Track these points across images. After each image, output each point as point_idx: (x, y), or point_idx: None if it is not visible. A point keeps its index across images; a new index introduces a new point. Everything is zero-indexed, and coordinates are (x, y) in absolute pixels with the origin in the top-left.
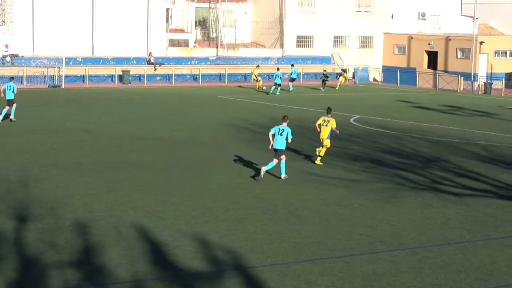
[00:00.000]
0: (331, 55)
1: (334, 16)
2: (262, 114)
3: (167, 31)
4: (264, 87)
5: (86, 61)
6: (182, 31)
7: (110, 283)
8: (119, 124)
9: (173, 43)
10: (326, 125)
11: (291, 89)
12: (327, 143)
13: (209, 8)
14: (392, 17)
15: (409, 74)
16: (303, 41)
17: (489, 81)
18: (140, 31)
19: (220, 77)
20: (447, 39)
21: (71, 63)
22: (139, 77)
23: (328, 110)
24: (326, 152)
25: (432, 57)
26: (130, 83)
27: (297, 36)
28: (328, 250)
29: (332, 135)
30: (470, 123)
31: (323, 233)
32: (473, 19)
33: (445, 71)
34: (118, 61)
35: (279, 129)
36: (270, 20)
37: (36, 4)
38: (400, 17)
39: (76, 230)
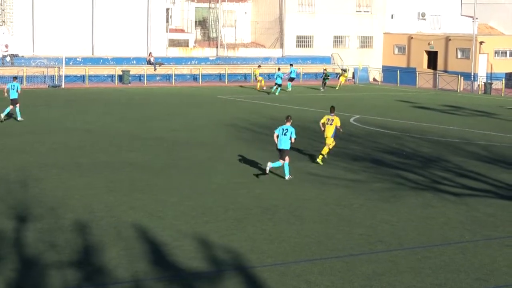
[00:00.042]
0: (331, 55)
1: (334, 16)
2: (262, 114)
3: (167, 31)
4: (265, 87)
5: (86, 61)
6: (182, 31)
7: (110, 283)
8: (119, 124)
9: (173, 43)
10: (331, 124)
11: (289, 89)
12: (330, 141)
13: (209, 8)
14: (392, 17)
15: (409, 74)
16: (303, 41)
17: (489, 81)
18: (140, 31)
19: (220, 77)
20: (447, 39)
21: (71, 63)
22: (139, 77)
23: (332, 109)
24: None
25: (432, 57)
26: (130, 83)
27: (297, 36)
28: (328, 250)
29: (337, 134)
30: (470, 123)
31: (323, 233)
32: (473, 19)
33: (445, 71)
34: (118, 61)
35: (282, 129)
36: (270, 20)
37: (36, 4)
38: (400, 17)
39: (76, 230)
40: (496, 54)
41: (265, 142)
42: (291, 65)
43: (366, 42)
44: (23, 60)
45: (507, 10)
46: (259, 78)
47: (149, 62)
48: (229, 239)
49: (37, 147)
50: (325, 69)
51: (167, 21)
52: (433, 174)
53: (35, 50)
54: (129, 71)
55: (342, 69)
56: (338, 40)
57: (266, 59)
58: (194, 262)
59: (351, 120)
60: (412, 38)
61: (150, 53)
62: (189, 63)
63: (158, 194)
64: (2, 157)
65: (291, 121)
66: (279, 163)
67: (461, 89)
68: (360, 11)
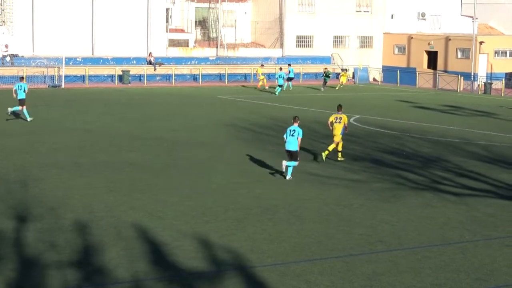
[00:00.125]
0: (331, 55)
1: (334, 16)
2: (262, 114)
3: (167, 31)
4: (267, 87)
5: (86, 61)
6: (182, 31)
7: (110, 283)
8: (119, 124)
9: (173, 43)
10: (339, 122)
11: (285, 88)
12: (338, 138)
13: (209, 8)
14: (392, 17)
15: (409, 74)
16: (303, 41)
17: (489, 81)
18: (140, 31)
19: (220, 77)
20: (447, 39)
21: (71, 63)
22: (139, 77)
23: (339, 107)
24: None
25: (432, 57)
26: (130, 83)
27: (297, 36)
28: (328, 250)
29: (345, 132)
30: (470, 123)
31: (323, 233)
32: (473, 19)
33: (445, 71)
34: (118, 61)
35: (290, 130)
36: (270, 20)
37: (36, 4)
38: (400, 17)
39: (76, 230)
40: (496, 54)
41: (265, 142)
42: (289, 65)
43: (366, 42)
44: (23, 60)
45: (507, 10)
46: (261, 77)
47: (149, 62)
48: (229, 239)
49: (37, 147)
50: (326, 68)
51: (167, 21)
52: (433, 174)
53: (35, 50)
54: (129, 71)
55: (342, 69)
56: (338, 40)
57: (266, 59)
58: (194, 262)
59: (351, 120)
60: (412, 38)
61: (150, 53)
62: (189, 63)
63: (158, 194)
64: (2, 157)
65: (299, 121)
66: (294, 163)
67: (461, 89)
68: (360, 11)
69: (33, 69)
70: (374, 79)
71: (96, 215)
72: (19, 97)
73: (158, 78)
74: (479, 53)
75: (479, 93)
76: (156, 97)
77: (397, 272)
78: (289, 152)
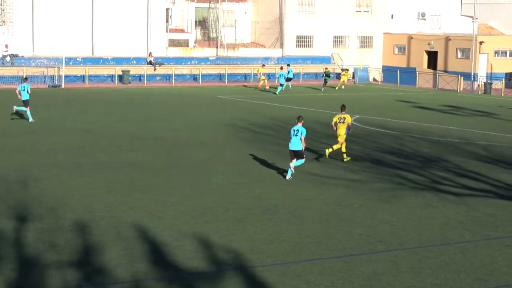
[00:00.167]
0: (331, 55)
1: (334, 16)
2: (262, 114)
3: (167, 31)
4: (267, 87)
5: (86, 61)
6: (182, 31)
7: (110, 283)
8: (119, 124)
9: (173, 43)
10: (343, 122)
11: (285, 88)
12: (342, 139)
13: (209, 8)
14: (392, 17)
15: (409, 74)
16: (303, 41)
17: (489, 81)
18: (140, 31)
19: (220, 77)
20: (447, 39)
21: (71, 63)
22: (139, 77)
23: (343, 108)
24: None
25: (432, 57)
26: (130, 83)
27: (297, 36)
28: (328, 250)
29: (348, 132)
30: (470, 123)
31: (323, 233)
32: (473, 19)
33: (445, 71)
34: (118, 61)
35: (293, 130)
36: (270, 20)
37: (36, 4)
38: (400, 17)
39: (76, 230)
40: (496, 54)
41: (265, 142)
42: (288, 65)
43: (366, 42)
44: (23, 60)
45: (507, 10)
46: (262, 77)
47: (149, 62)
48: (229, 239)
49: (37, 147)
50: (326, 68)
51: (167, 21)
52: (433, 174)
53: (35, 50)
54: (129, 71)
55: (342, 69)
56: (338, 40)
57: (266, 59)
58: (194, 262)
59: (351, 120)
60: (412, 38)
61: (150, 53)
62: (189, 63)
63: (158, 194)
64: (2, 157)
65: (303, 121)
66: (301, 161)
67: (461, 89)
68: (360, 11)
69: (33, 69)
70: (374, 79)
71: (96, 215)
72: (22, 98)
73: (158, 78)
74: (479, 53)
75: (479, 93)
76: (156, 97)
77: (397, 272)
78: (293, 152)
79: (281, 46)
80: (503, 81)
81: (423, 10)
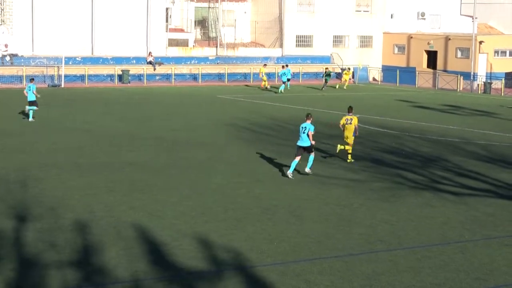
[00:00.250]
0: (331, 54)
1: (334, 15)
2: (262, 114)
3: (166, 31)
4: (268, 87)
5: (86, 60)
6: (182, 30)
7: (110, 283)
8: (119, 124)
9: (173, 42)
10: (350, 123)
11: (288, 88)
12: (351, 141)
13: (209, 7)
14: (391, 17)
15: (408, 73)
16: (303, 41)
17: (488, 81)
18: (139, 30)
19: (220, 76)
20: (447, 38)
21: (70, 63)
22: (139, 77)
23: (350, 109)
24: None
25: (432, 56)
26: (129, 82)
27: (296, 35)
28: (327, 250)
29: (355, 134)
30: (470, 123)
31: (323, 232)
32: (473, 18)
33: (445, 70)
34: (118, 60)
35: (302, 127)
36: (270, 19)
37: (36, 4)
38: (400, 16)
39: (76, 230)
40: (496, 54)
41: (265, 142)
42: (286, 65)
43: (365, 41)
44: (22, 60)
45: (507, 10)
46: (264, 77)
47: (149, 62)
48: (229, 239)
49: (37, 147)
50: (327, 68)
51: (167, 21)
52: (433, 174)
53: (35, 50)
54: (129, 70)
55: (342, 69)
56: (337, 40)
57: (266, 58)
58: (193, 262)
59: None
60: (411, 37)
61: (149, 52)
62: (188, 62)
63: (157, 194)
64: (2, 157)
65: (311, 119)
66: (296, 161)
67: (461, 88)
68: (360, 11)
69: (33, 68)
70: (374, 79)
71: (96, 215)
72: (28, 99)
73: (157, 77)
74: (479, 52)
75: (479, 92)
76: (155, 96)
77: (397, 271)
78: (302, 148)
79: (281, 45)
80: (503, 81)
81: (423, 10)
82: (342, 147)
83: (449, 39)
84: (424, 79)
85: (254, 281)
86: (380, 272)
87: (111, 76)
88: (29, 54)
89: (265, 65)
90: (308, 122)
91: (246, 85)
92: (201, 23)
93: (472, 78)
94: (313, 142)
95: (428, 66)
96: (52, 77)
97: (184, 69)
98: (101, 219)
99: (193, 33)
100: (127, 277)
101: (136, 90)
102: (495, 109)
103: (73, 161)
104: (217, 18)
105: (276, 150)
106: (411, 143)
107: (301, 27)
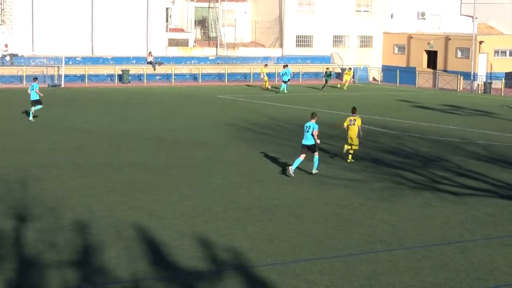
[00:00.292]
0: (331, 54)
1: (334, 15)
2: (262, 114)
3: (166, 31)
4: (269, 87)
5: (86, 60)
6: (182, 30)
7: (110, 283)
8: (119, 124)
9: (173, 42)
10: (353, 124)
11: (285, 88)
12: (356, 141)
13: (209, 7)
14: (391, 17)
15: (408, 73)
16: (303, 41)
17: (488, 81)
18: (139, 30)
19: (220, 76)
20: (447, 38)
21: (70, 63)
22: (139, 77)
23: (353, 110)
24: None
25: (432, 56)
26: (129, 82)
27: (296, 35)
28: (327, 250)
29: (359, 135)
30: (470, 123)
31: (323, 232)
32: (473, 18)
33: (445, 70)
34: (118, 60)
35: (306, 126)
36: (270, 19)
37: (36, 4)
38: (400, 16)
39: (76, 230)
40: (496, 54)
41: (265, 142)
42: (286, 65)
43: (365, 41)
44: (22, 60)
45: (507, 10)
46: (265, 78)
47: (149, 62)
48: (229, 239)
49: (37, 147)
50: (327, 68)
51: (167, 21)
52: (433, 174)
53: (35, 50)
54: (129, 70)
55: (342, 69)
56: (337, 40)
57: (266, 58)
58: (193, 262)
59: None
60: (411, 37)
61: (149, 52)
62: (188, 62)
63: (157, 194)
64: (2, 157)
65: (316, 118)
66: (300, 159)
67: (461, 88)
68: (360, 11)
69: (33, 68)
70: (374, 79)
71: (96, 215)
72: (32, 98)
73: (157, 77)
74: (479, 52)
75: (479, 92)
76: (155, 96)
77: (397, 271)
78: (306, 147)
79: (281, 45)
80: (503, 81)
81: (423, 10)
82: (349, 147)
83: (449, 39)
84: (424, 79)
85: (254, 281)
86: (380, 272)
87: (111, 76)
88: (29, 54)
89: (266, 65)
90: (313, 121)
91: (247, 85)
92: (201, 23)
93: (472, 78)
94: (319, 141)
95: (428, 66)
96: (52, 77)
97: (184, 69)
98: (101, 219)
99: (193, 33)
100: (127, 277)
101: (136, 90)
102: (495, 109)
103: (73, 161)
104: (217, 18)
105: (276, 150)
106: (411, 143)
107: (301, 27)
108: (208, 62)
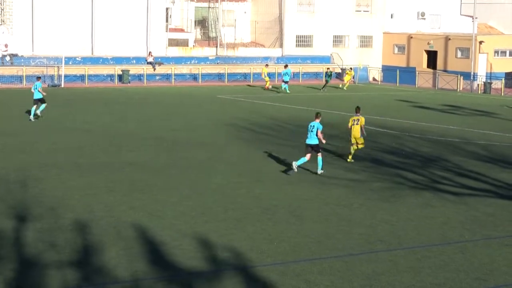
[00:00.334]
0: (331, 54)
1: (334, 15)
2: (262, 114)
3: (166, 31)
4: (270, 87)
5: (86, 60)
6: (182, 30)
7: (110, 283)
8: (119, 124)
9: (173, 42)
10: (357, 124)
11: (286, 88)
12: (361, 141)
13: (209, 7)
14: (391, 17)
15: (408, 73)
16: (303, 41)
17: (488, 81)
18: (139, 30)
19: (220, 76)
20: (447, 38)
21: (70, 63)
22: (139, 77)
23: (357, 109)
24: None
25: (432, 56)
26: (129, 82)
27: (296, 35)
28: (327, 250)
29: (362, 134)
30: (470, 123)
31: (323, 232)
32: (473, 18)
33: (445, 70)
34: (118, 60)
35: (310, 125)
36: (270, 19)
37: (36, 4)
38: (400, 16)
39: (76, 230)
40: (496, 54)
41: (265, 142)
42: (287, 65)
43: (365, 41)
44: (22, 60)
45: (507, 10)
46: (266, 78)
47: (149, 62)
48: (229, 239)
49: (37, 147)
50: (328, 69)
51: (167, 21)
52: (433, 174)
53: (35, 50)
54: (129, 70)
55: (342, 69)
56: (337, 40)
57: (266, 58)
58: (193, 262)
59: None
60: (411, 37)
61: (149, 52)
62: (188, 62)
63: (157, 194)
64: (2, 157)
65: (320, 118)
66: (305, 158)
67: (461, 88)
68: (360, 11)
69: (33, 68)
70: (374, 79)
71: (96, 215)
72: (34, 97)
73: (157, 77)
74: (479, 52)
75: (479, 92)
76: (155, 96)
77: (397, 271)
78: (310, 146)
79: (281, 45)
80: (503, 81)
81: (423, 10)
82: (356, 147)
83: (449, 39)
84: (424, 79)
85: (254, 281)
86: (380, 272)
87: (111, 76)
88: (29, 54)
89: (267, 65)
90: (317, 121)
91: (248, 85)
92: (201, 23)
93: (472, 78)
94: (324, 141)
95: (428, 66)
96: (52, 77)
97: (184, 69)
98: (101, 219)
99: (193, 33)
100: (127, 277)
101: (136, 90)
102: (495, 109)
103: (73, 161)
104: (217, 18)
105: (276, 150)
106: (411, 143)
107: (301, 27)
108: (208, 62)
